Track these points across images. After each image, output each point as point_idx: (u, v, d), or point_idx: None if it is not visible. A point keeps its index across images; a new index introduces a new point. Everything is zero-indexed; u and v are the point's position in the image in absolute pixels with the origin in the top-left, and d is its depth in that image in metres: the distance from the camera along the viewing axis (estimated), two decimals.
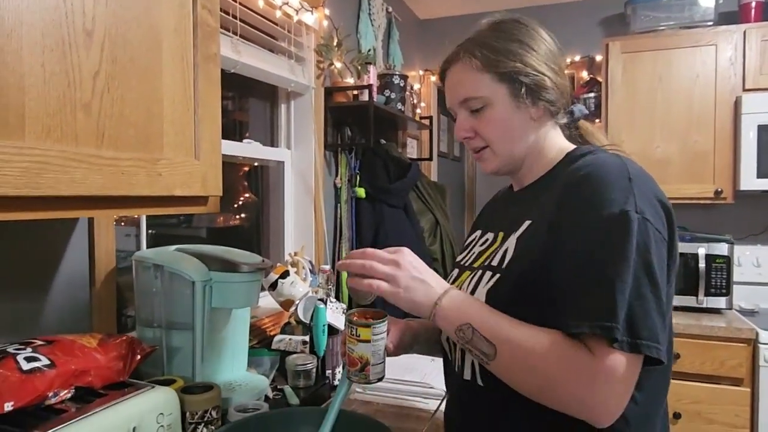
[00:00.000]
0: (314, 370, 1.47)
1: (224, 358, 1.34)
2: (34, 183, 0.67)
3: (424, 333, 1.04)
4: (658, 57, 2.59)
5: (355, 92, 2.34)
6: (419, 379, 1.44)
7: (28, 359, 0.84)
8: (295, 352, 1.55)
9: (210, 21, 0.97)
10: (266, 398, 1.36)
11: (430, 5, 3.29)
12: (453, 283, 0.97)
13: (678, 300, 2.42)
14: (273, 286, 1.67)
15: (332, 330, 1.55)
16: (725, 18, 2.67)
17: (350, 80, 2.37)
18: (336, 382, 1.52)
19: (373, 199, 2.37)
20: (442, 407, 1.14)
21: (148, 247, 1.56)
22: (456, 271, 1.01)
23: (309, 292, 1.70)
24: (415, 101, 3.17)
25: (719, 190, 2.48)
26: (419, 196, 2.79)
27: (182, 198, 0.94)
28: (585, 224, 0.76)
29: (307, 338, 1.57)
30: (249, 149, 1.98)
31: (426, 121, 3.13)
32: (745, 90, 2.46)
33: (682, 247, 2.39)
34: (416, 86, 3.28)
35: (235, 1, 1.68)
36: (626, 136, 2.61)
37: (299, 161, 2.22)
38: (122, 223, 1.54)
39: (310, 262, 1.98)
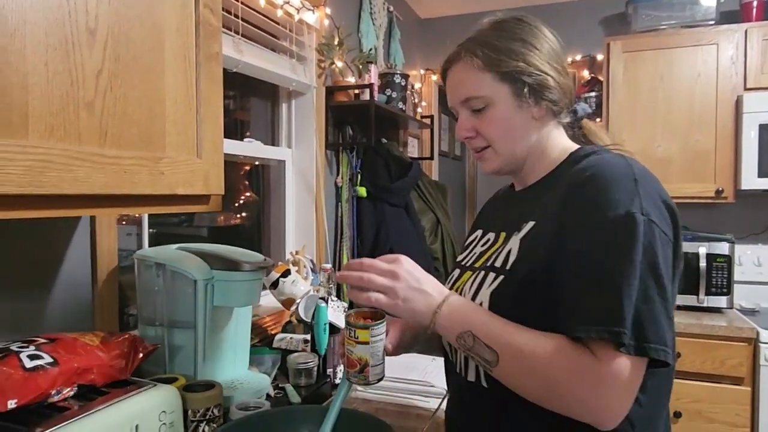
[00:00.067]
0: (315, 368, 1.48)
1: (226, 357, 1.34)
2: (38, 181, 0.67)
3: (424, 333, 1.03)
4: (659, 56, 2.59)
5: (357, 91, 2.34)
6: (420, 377, 1.44)
7: (31, 357, 0.85)
8: (296, 351, 1.55)
9: (212, 20, 0.97)
10: (268, 396, 1.36)
11: (431, 4, 3.29)
12: (454, 283, 0.97)
13: (679, 299, 2.39)
14: (274, 285, 1.68)
15: (333, 329, 1.55)
16: (727, 17, 2.67)
17: (351, 79, 2.37)
18: (337, 381, 1.53)
19: (375, 198, 2.37)
20: (443, 406, 1.14)
21: (149, 246, 1.56)
22: (457, 271, 1.00)
23: (310, 290, 1.71)
24: (416, 100, 3.17)
25: (720, 189, 2.48)
26: (420, 196, 2.79)
27: (184, 197, 0.95)
28: (590, 225, 0.75)
29: (308, 337, 1.57)
30: (250, 148, 1.98)
31: (427, 121, 3.13)
32: (746, 89, 2.45)
33: (683, 246, 2.39)
34: (417, 85, 3.28)
35: (237, 1, 1.68)
36: (627, 135, 2.61)
37: (300, 160, 2.22)
38: (123, 222, 1.54)
39: (311, 260, 1.98)
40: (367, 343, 0.84)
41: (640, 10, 2.69)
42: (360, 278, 0.83)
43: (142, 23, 0.83)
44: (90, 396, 0.91)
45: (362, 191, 2.35)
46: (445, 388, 1.05)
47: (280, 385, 1.43)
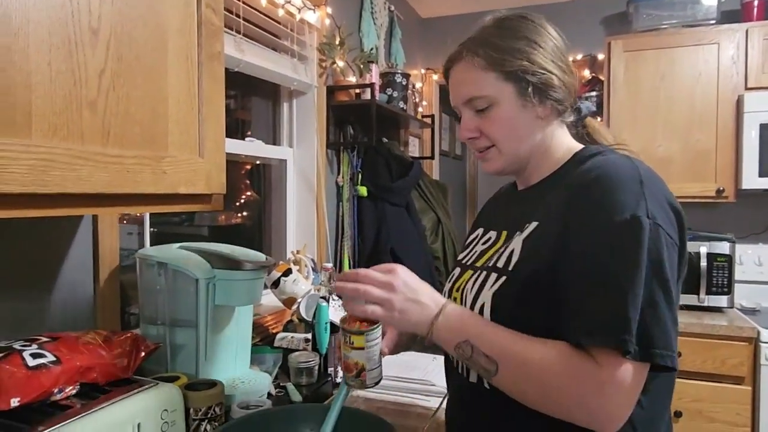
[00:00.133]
0: (316, 367, 1.48)
1: (227, 356, 1.35)
2: (41, 180, 0.67)
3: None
4: (660, 55, 2.58)
5: (358, 91, 2.34)
6: (421, 376, 1.45)
7: (34, 356, 0.85)
8: (297, 350, 1.55)
9: (214, 20, 0.98)
10: (269, 395, 1.36)
11: (432, 4, 3.29)
12: (455, 282, 0.97)
13: (680, 298, 2.41)
14: (275, 284, 1.68)
15: (334, 328, 1.55)
16: (728, 16, 2.67)
17: (352, 79, 2.37)
18: (338, 380, 1.53)
19: (375, 198, 2.38)
20: (444, 405, 1.14)
21: (151, 246, 1.56)
22: (458, 269, 0.99)
23: (311, 290, 1.71)
24: (417, 100, 3.17)
25: (721, 188, 2.48)
26: (421, 195, 2.79)
27: (186, 196, 0.95)
28: (595, 227, 0.75)
29: (309, 336, 1.58)
30: (251, 148, 1.98)
31: (428, 120, 3.14)
32: (747, 89, 2.45)
33: None
34: (418, 85, 3.28)
35: (239, 0, 1.69)
36: (628, 134, 2.61)
37: (301, 160, 2.22)
38: (125, 221, 1.54)
39: (312, 260, 1.99)
40: (362, 348, 0.84)
41: (641, 9, 2.69)
42: (356, 290, 0.82)
43: (145, 23, 0.84)
44: (92, 394, 0.92)
45: (363, 190, 2.36)
46: (446, 387, 1.05)
47: (281, 384, 1.43)
